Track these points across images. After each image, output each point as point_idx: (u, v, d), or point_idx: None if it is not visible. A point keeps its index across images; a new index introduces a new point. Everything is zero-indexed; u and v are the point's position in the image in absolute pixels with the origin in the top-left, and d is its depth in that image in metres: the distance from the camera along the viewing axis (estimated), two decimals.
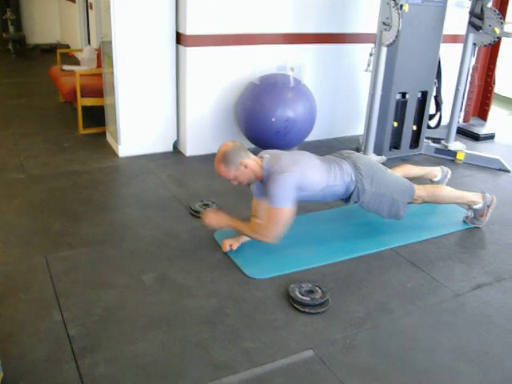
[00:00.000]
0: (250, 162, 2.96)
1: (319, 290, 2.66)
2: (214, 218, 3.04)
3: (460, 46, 4.87)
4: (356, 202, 3.24)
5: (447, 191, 3.46)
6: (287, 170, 2.88)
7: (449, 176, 3.85)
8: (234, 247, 3.07)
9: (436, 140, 5.07)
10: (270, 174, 2.92)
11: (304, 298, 2.59)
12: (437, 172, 3.83)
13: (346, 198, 3.24)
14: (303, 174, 2.96)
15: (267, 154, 3.08)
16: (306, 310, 2.55)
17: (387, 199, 3.21)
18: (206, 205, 3.61)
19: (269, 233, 2.91)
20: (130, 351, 2.26)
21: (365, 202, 3.21)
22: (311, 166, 3.08)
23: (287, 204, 2.86)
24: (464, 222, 3.56)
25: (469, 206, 3.51)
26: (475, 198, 3.46)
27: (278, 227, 2.90)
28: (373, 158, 4.55)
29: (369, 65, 4.49)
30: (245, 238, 3.10)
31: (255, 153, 3.12)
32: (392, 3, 4.10)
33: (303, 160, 3.09)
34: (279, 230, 2.90)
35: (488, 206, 3.46)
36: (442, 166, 3.89)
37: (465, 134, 5.64)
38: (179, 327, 2.43)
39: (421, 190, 3.36)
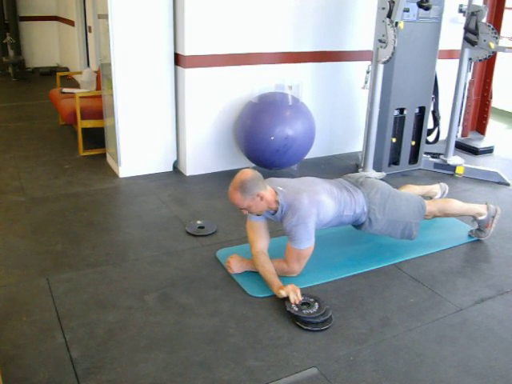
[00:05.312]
0: (267, 195, 2.88)
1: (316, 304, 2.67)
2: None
3: (456, 61, 4.92)
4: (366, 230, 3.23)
5: (456, 205, 3.48)
6: (308, 212, 2.87)
7: (447, 192, 3.90)
8: (235, 271, 3.03)
9: (435, 155, 5.09)
10: (288, 211, 2.89)
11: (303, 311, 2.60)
12: (436, 190, 3.88)
13: (356, 226, 3.26)
14: (319, 210, 2.93)
15: (279, 186, 2.99)
16: (309, 328, 2.55)
17: (399, 224, 3.22)
18: (202, 227, 3.63)
19: (292, 271, 2.98)
20: (133, 372, 2.25)
21: (377, 230, 3.21)
22: (327, 197, 3.01)
23: (309, 244, 2.92)
24: (469, 236, 3.57)
25: (474, 218, 3.52)
26: (481, 209, 3.48)
27: (301, 264, 2.98)
28: (373, 174, 4.56)
29: (366, 82, 4.53)
30: (248, 266, 3.05)
31: None
32: (387, 21, 4.15)
33: (321, 192, 3.01)
34: (302, 265, 2.99)
35: (493, 217, 3.47)
36: (441, 183, 3.94)
37: (463, 148, 5.67)
38: (182, 347, 2.42)
39: (431, 206, 3.39)
